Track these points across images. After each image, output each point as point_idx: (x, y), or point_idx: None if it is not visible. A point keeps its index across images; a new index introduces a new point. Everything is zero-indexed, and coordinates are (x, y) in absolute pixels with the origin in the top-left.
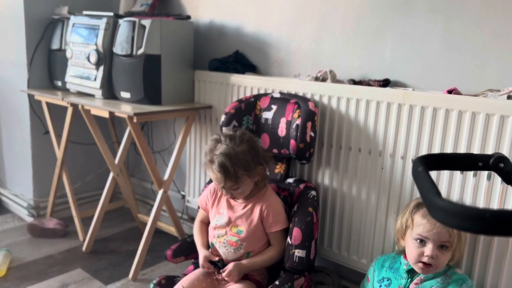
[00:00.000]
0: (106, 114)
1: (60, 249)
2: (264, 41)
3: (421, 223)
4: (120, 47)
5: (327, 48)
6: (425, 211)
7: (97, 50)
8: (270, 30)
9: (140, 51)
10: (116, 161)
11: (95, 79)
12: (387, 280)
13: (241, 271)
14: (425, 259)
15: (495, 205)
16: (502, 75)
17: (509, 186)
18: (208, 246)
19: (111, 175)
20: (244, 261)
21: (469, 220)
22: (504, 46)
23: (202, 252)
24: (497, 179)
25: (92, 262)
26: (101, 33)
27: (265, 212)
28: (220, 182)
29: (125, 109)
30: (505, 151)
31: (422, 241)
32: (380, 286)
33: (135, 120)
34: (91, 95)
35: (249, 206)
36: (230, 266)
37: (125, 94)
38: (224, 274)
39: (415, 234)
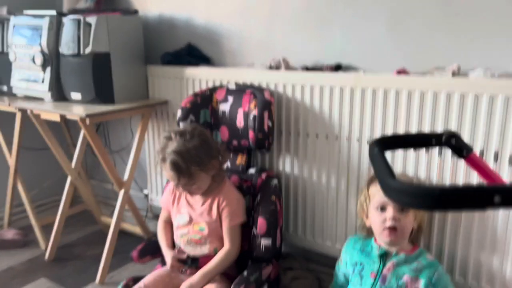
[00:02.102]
0: (57, 118)
1: (21, 260)
2: (215, 32)
3: (376, 192)
4: (66, 46)
5: (279, 36)
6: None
7: (42, 51)
8: (220, 20)
9: (88, 50)
10: (73, 164)
11: (42, 82)
12: (360, 264)
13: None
14: (388, 223)
15: (447, 179)
16: (446, 53)
17: (459, 161)
18: (173, 246)
19: (69, 179)
20: (195, 277)
21: (420, 198)
22: (446, 24)
23: (168, 253)
24: (448, 154)
25: (56, 270)
26: (44, 33)
27: (222, 206)
28: (174, 179)
29: (76, 111)
30: (453, 127)
31: (383, 208)
32: (354, 270)
33: (88, 122)
34: (40, 99)
35: (208, 202)
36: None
37: (76, 95)
38: None
39: (375, 203)
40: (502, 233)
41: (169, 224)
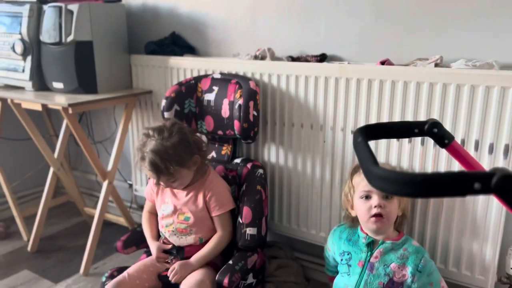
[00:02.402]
0: (38, 107)
1: (3, 252)
2: (200, 21)
3: (360, 181)
4: (47, 35)
5: (264, 25)
6: (361, 171)
7: (22, 39)
8: (205, 9)
9: (70, 38)
10: (56, 155)
11: (23, 71)
12: (347, 254)
13: (187, 270)
14: (374, 211)
15: (429, 168)
16: (428, 44)
17: (441, 150)
18: (158, 237)
19: (51, 170)
20: (191, 260)
21: (403, 185)
22: (428, 16)
23: (153, 245)
24: (430, 143)
25: (39, 261)
26: (25, 20)
27: (208, 196)
28: (154, 178)
29: (59, 101)
30: (435, 116)
31: (367, 197)
32: (342, 260)
33: (70, 111)
34: (20, 88)
35: (193, 193)
36: (176, 265)
37: (58, 85)
38: (170, 276)
39: (359, 192)
40: (482, 219)
41: (153, 214)
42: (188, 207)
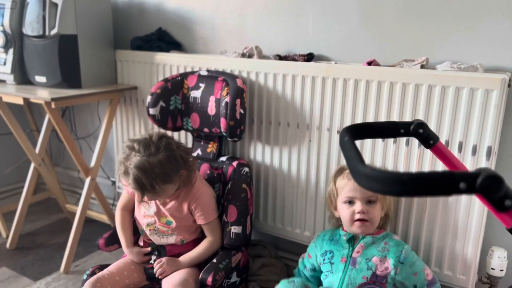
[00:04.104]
0: (20, 101)
1: None
2: (187, 17)
3: (344, 186)
4: (30, 27)
5: (252, 23)
6: (345, 174)
7: (4, 31)
8: (193, 5)
9: (54, 31)
10: (37, 150)
11: (4, 63)
12: (330, 252)
13: (174, 267)
14: (357, 216)
15: (413, 168)
16: (415, 45)
17: (425, 150)
18: (133, 242)
19: (32, 165)
20: (180, 258)
21: (389, 184)
22: (415, 18)
23: (131, 253)
24: (415, 144)
25: (18, 259)
26: (7, 12)
27: (193, 206)
28: (138, 195)
29: (41, 95)
30: (420, 117)
31: (351, 202)
32: (324, 259)
33: (53, 106)
34: (2, 81)
35: (177, 200)
36: (164, 259)
37: (41, 79)
38: (155, 269)
39: (343, 197)
40: (464, 220)
41: (127, 213)
42: (171, 212)
